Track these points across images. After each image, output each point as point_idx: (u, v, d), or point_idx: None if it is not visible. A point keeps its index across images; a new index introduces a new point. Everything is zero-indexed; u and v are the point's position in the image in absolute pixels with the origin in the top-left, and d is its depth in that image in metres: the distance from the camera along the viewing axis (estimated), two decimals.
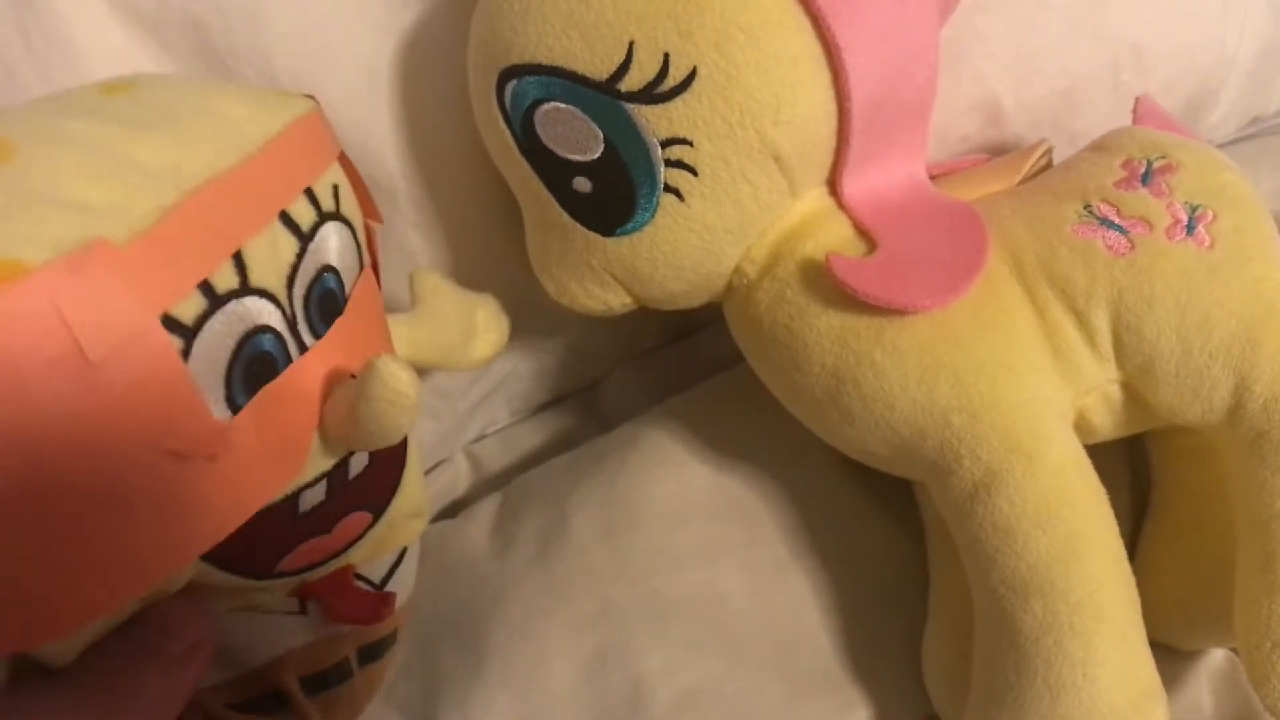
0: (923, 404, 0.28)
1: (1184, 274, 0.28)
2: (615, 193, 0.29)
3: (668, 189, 0.28)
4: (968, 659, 0.29)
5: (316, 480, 0.24)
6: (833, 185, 0.30)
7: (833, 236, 0.30)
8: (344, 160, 0.26)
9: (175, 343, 0.19)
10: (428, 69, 0.33)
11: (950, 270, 0.28)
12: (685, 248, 0.30)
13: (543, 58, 0.27)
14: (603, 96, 0.27)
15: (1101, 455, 0.29)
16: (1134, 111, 0.35)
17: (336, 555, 0.26)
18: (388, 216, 0.34)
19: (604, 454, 0.37)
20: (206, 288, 0.19)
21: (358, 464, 0.25)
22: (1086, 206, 0.30)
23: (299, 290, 0.22)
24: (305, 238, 0.23)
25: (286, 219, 0.22)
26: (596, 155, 0.28)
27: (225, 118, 0.22)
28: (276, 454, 0.21)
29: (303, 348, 0.22)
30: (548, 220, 0.31)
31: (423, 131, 0.33)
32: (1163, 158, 0.30)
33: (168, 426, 0.18)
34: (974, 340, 0.28)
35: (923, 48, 0.29)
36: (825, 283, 0.29)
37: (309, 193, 0.23)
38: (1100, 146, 0.32)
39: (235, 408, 0.20)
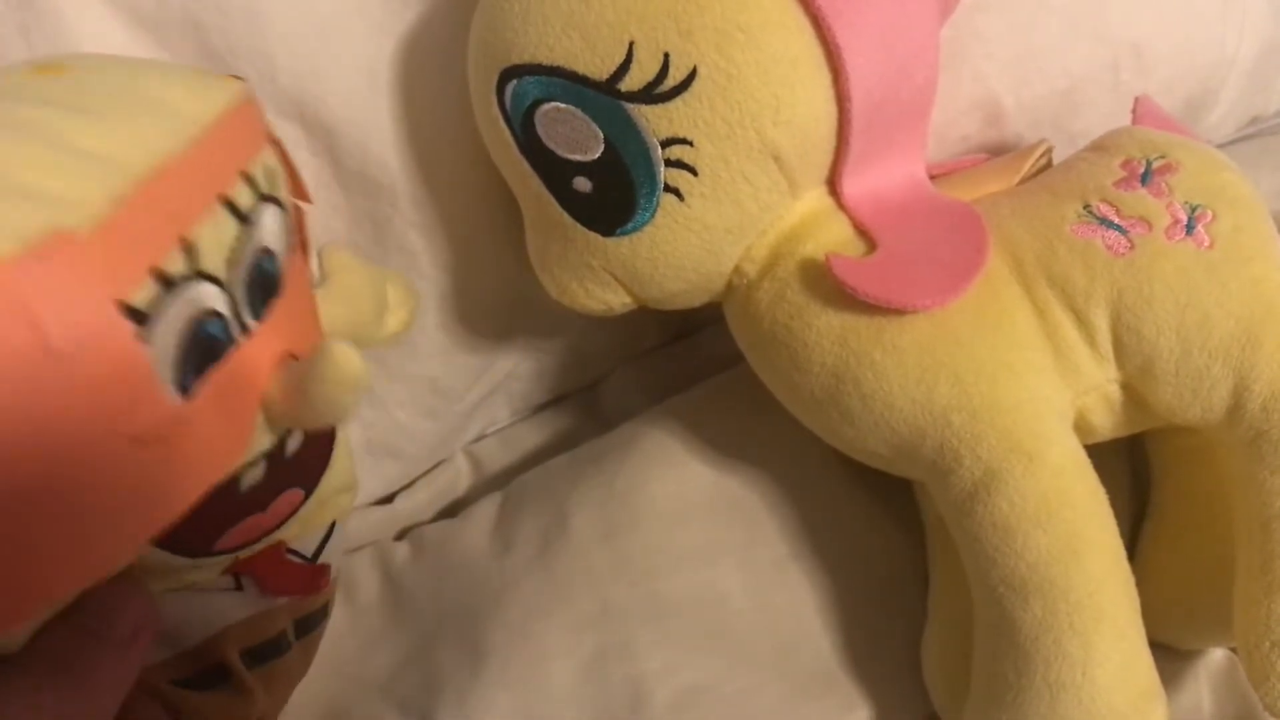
0: (922, 404, 0.28)
1: (1183, 274, 0.28)
2: (615, 193, 0.29)
3: (668, 189, 0.28)
4: (967, 658, 0.30)
5: (257, 460, 0.24)
6: (832, 185, 0.30)
7: (832, 236, 0.30)
8: (274, 142, 0.26)
9: (133, 329, 0.19)
10: (428, 69, 0.33)
11: (950, 270, 0.28)
12: (685, 247, 0.30)
13: (543, 58, 0.27)
14: (603, 96, 0.27)
15: (1101, 455, 0.29)
16: (1133, 111, 0.35)
17: (270, 532, 0.27)
18: (387, 215, 0.34)
19: (604, 454, 0.37)
20: (159, 274, 0.20)
21: (293, 443, 0.26)
22: (1086, 206, 0.30)
23: (240, 273, 0.23)
24: (245, 221, 0.23)
25: (227, 202, 0.22)
26: (596, 155, 0.28)
27: (163, 101, 0.22)
28: (226, 435, 0.22)
29: (245, 330, 0.23)
30: (548, 220, 0.31)
31: (423, 131, 0.33)
32: (1162, 158, 0.30)
33: (126, 411, 0.19)
34: (974, 340, 0.28)
35: (923, 48, 0.29)
36: (825, 283, 0.29)
37: (246, 175, 0.23)
38: (1100, 146, 0.32)
39: (186, 392, 0.21)
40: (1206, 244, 0.28)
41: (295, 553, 0.29)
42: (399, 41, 0.32)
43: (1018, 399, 0.28)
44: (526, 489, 0.38)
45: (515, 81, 0.28)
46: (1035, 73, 0.39)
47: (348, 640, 0.35)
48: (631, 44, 0.26)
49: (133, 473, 0.19)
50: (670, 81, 0.27)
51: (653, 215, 0.29)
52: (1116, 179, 0.30)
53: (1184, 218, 0.29)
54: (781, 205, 0.30)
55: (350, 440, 0.31)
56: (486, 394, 0.41)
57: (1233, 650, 0.32)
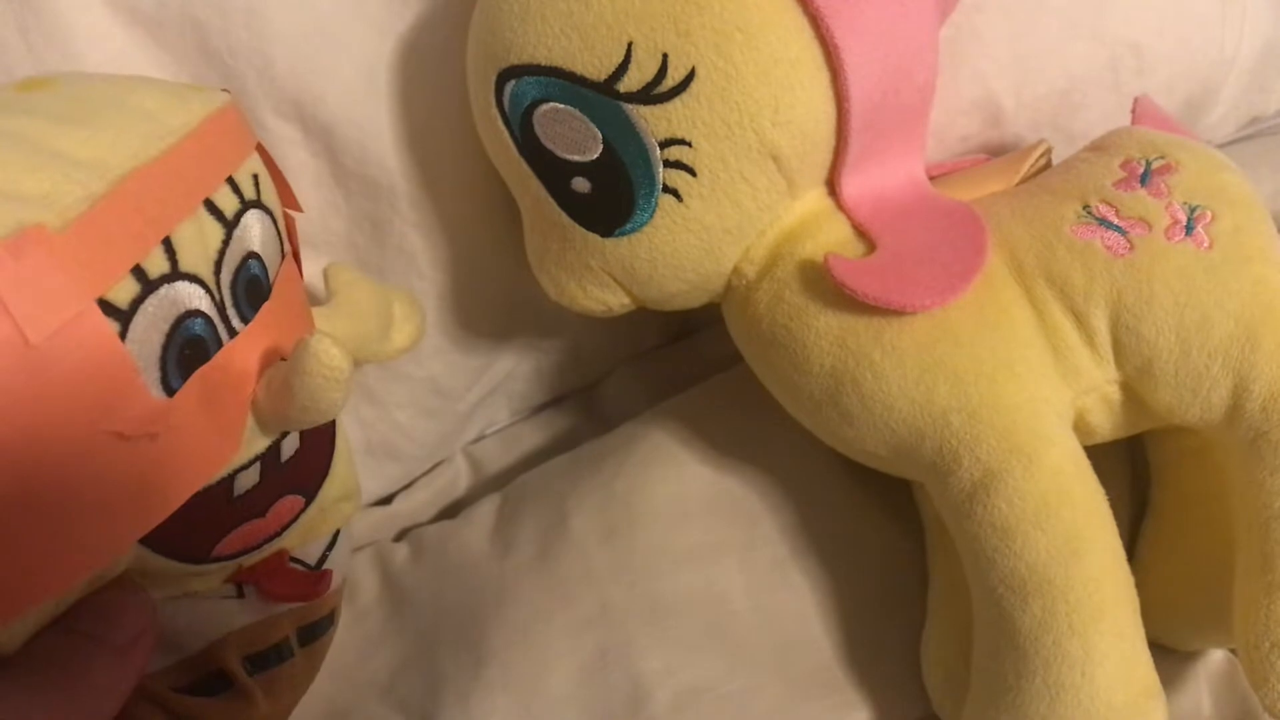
0: (922, 404, 0.28)
1: (1183, 274, 0.28)
2: (614, 193, 0.29)
3: (666, 189, 0.28)
4: (967, 659, 0.29)
5: (251, 463, 0.24)
6: (832, 186, 0.30)
7: (832, 237, 0.30)
8: (262, 151, 0.26)
9: (112, 325, 0.19)
10: (427, 69, 0.33)
11: (949, 270, 0.28)
12: (684, 248, 0.30)
13: (541, 58, 0.27)
14: (601, 97, 0.27)
15: (1100, 456, 0.29)
16: (1133, 112, 0.35)
17: (271, 539, 0.27)
18: (386, 216, 0.34)
19: (604, 454, 0.37)
20: (139, 272, 0.20)
21: (289, 447, 0.26)
22: (1085, 207, 0.30)
23: (226, 275, 0.23)
24: (230, 224, 0.23)
25: (211, 206, 0.23)
26: (595, 156, 0.28)
27: (145, 111, 0.22)
28: (214, 434, 0.22)
29: (232, 332, 0.23)
30: (547, 220, 0.31)
31: (422, 132, 0.33)
32: (1161, 158, 0.30)
33: (109, 407, 0.19)
34: (973, 341, 0.28)
35: (922, 48, 0.29)
36: (824, 283, 0.29)
37: (231, 182, 0.24)
38: (1099, 147, 0.32)
39: (170, 390, 0.21)
40: (1206, 244, 0.28)
41: (298, 561, 0.29)
42: (398, 41, 0.33)
43: (1017, 400, 0.28)
44: (526, 489, 0.38)
45: (514, 82, 0.28)
46: (1034, 73, 0.39)
47: (347, 641, 0.35)
48: (630, 44, 0.26)
49: (117, 469, 0.19)
50: (669, 82, 0.27)
51: (651, 216, 0.29)
52: (1116, 179, 0.30)
53: (1183, 218, 0.29)
54: (780, 206, 0.30)
55: (351, 444, 0.31)
56: (486, 394, 0.42)
57: (1232, 651, 0.32)
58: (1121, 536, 0.28)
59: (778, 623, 0.34)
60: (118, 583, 0.23)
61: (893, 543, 0.35)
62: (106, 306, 0.19)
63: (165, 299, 0.21)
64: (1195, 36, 0.41)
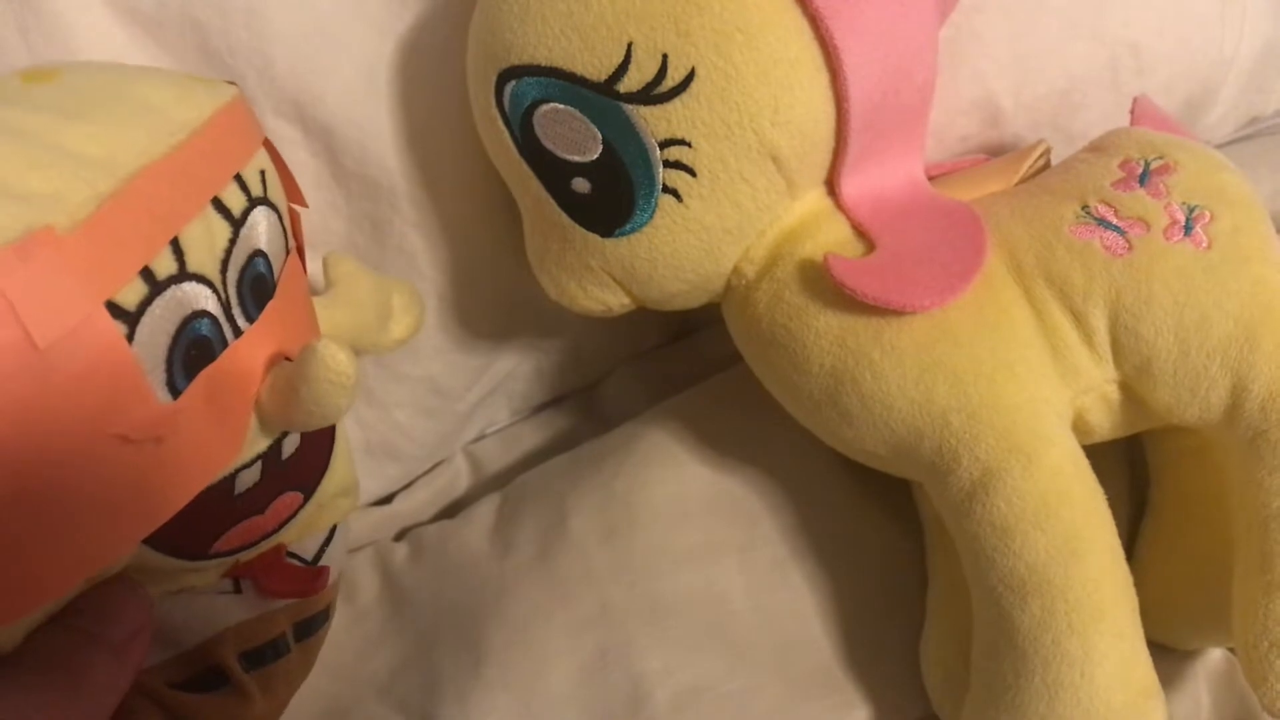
0: (921, 404, 0.28)
1: (1182, 274, 0.28)
2: (614, 193, 0.29)
3: (666, 190, 0.28)
4: (966, 658, 0.30)
5: (253, 461, 0.24)
6: (831, 186, 0.30)
7: (831, 237, 0.30)
8: (269, 146, 0.26)
9: (120, 328, 0.19)
10: (427, 69, 0.33)
11: (948, 270, 0.28)
12: (684, 248, 0.30)
13: (541, 59, 0.27)
14: (601, 97, 0.27)
15: (1099, 455, 0.29)
16: (1132, 112, 0.35)
17: (269, 535, 0.27)
18: (387, 216, 0.34)
19: (604, 454, 0.37)
20: (147, 274, 0.20)
21: (290, 445, 0.26)
22: (1084, 207, 0.30)
23: (232, 275, 0.23)
24: (237, 223, 0.23)
25: (219, 205, 0.23)
26: (595, 156, 0.28)
27: (152, 105, 0.22)
28: (218, 435, 0.22)
29: (237, 331, 0.23)
30: (547, 221, 0.31)
31: (422, 132, 0.34)
32: (1160, 158, 0.30)
33: (115, 411, 0.19)
34: (972, 340, 0.28)
35: (921, 48, 0.29)
36: (824, 283, 0.29)
37: (239, 179, 0.24)
38: (1098, 147, 0.32)
39: (176, 391, 0.21)
40: (1205, 245, 0.29)
41: (295, 556, 0.29)
42: (398, 42, 0.33)
43: (1016, 399, 0.28)
44: (526, 489, 0.38)
45: (514, 82, 0.28)
46: (1034, 73, 0.39)
47: (347, 641, 0.35)
48: (630, 45, 0.26)
49: (122, 472, 0.19)
50: (669, 82, 0.27)
51: (651, 216, 0.29)
52: (1115, 180, 0.30)
53: (1182, 218, 0.29)
54: (780, 206, 0.30)
55: (350, 442, 0.31)
56: (486, 394, 0.42)
57: (1231, 651, 0.32)
58: (1120, 536, 0.28)
59: (777, 623, 0.34)
60: (115, 579, 0.23)
61: (892, 543, 0.35)
62: (114, 309, 0.19)
63: (172, 300, 0.21)
64: (1194, 37, 0.41)
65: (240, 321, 0.23)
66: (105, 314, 0.19)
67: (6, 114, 0.20)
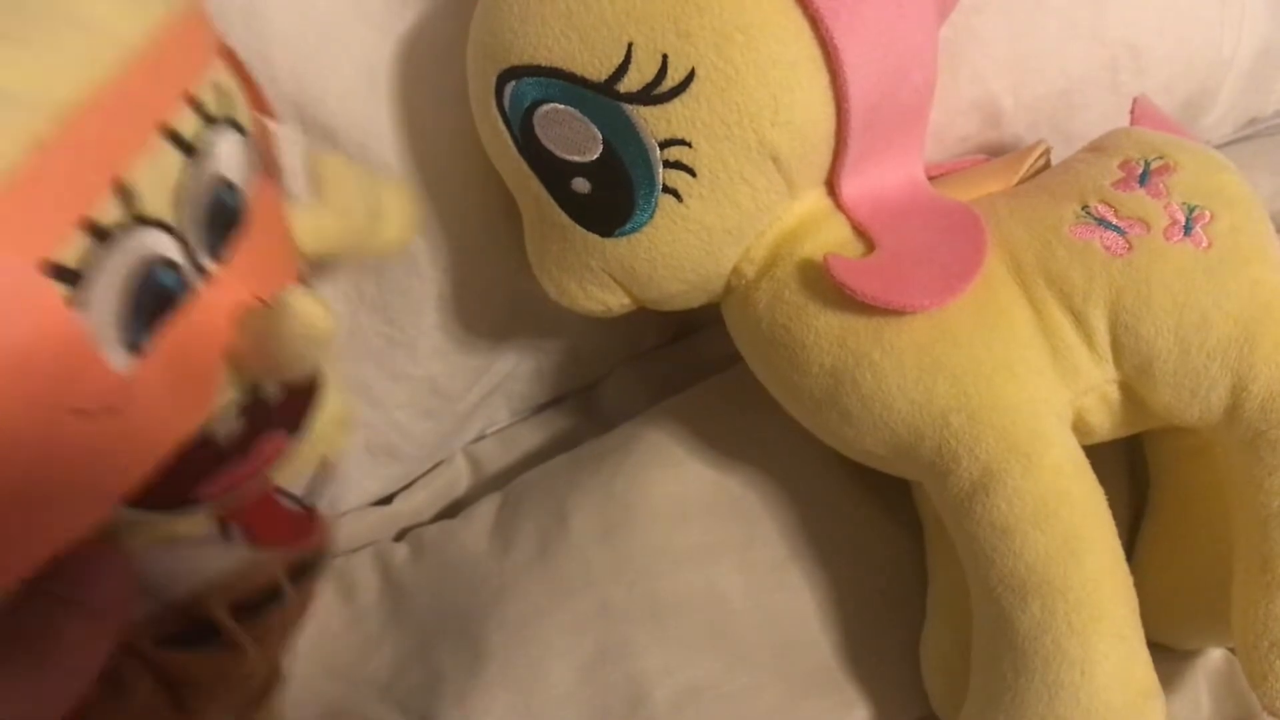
0: (921, 404, 0.28)
1: (1181, 275, 0.28)
2: (614, 194, 0.29)
3: (666, 190, 0.28)
4: (966, 658, 0.30)
5: (229, 410, 0.22)
6: (831, 186, 0.30)
7: (831, 237, 0.30)
8: (226, 54, 0.24)
9: (61, 291, 0.17)
10: (427, 70, 0.33)
11: (948, 271, 0.28)
12: (684, 248, 0.30)
13: (541, 59, 0.27)
14: (601, 98, 0.27)
15: (1099, 456, 0.29)
16: (1132, 112, 0.35)
17: (254, 477, 0.25)
18: None
19: (603, 454, 0.37)
20: (89, 224, 0.18)
21: (270, 385, 0.24)
22: (1084, 207, 0.30)
23: (191, 212, 0.20)
24: (192, 151, 0.20)
25: (169, 134, 0.20)
26: (595, 156, 0.28)
27: (88, 19, 0.19)
28: (185, 393, 0.20)
29: (203, 274, 0.21)
30: (547, 221, 0.31)
31: (422, 132, 0.34)
32: (1160, 159, 0.30)
33: (65, 384, 0.17)
34: (972, 341, 0.28)
35: (920, 49, 0.29)
36: (824, 283, 0.29)
37: (190, 98, 0.21)
38: (1098, 147, 0.32)
39: (136, 349, 0.19)
40: (1204, 245, 0.29)
41: (284, 493, 0.27)
42: (398, 42, 0.33)
43: (1016, 399, 0.28)
44: (526, 489, 0.38)
45: (514, 83, 0.28)
46: (1033, 73, 0.39)
47: (347, 640, 0.35)
48: (630, 45, 0.26)
49: (80, 445, 0.18)
50: (669, 83, 0.27)
51: (651, 216, 0.29)
52: (1114, 180, 0.30)
53: (1182, 219, 0.29)
54: (780, 206, 0.30)
55: (339, 374, 0.29)
56: (486, 394, 0.42)
57: (1231, 650, 0.32)
58: (1120, 536, 0.28)
59: (777, 622, 0.34)
60: (94, 541, 0.21)
61: (892, 542, 0.35)
62: (53, 269, 0.17)
63: (123, 251, 0.18)
64: (1194, 38, 0.41)
65: (205, 262, 0.21)
66: (40, 278, 0.16)
67: None
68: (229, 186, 0.22)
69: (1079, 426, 0.30)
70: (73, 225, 0.17)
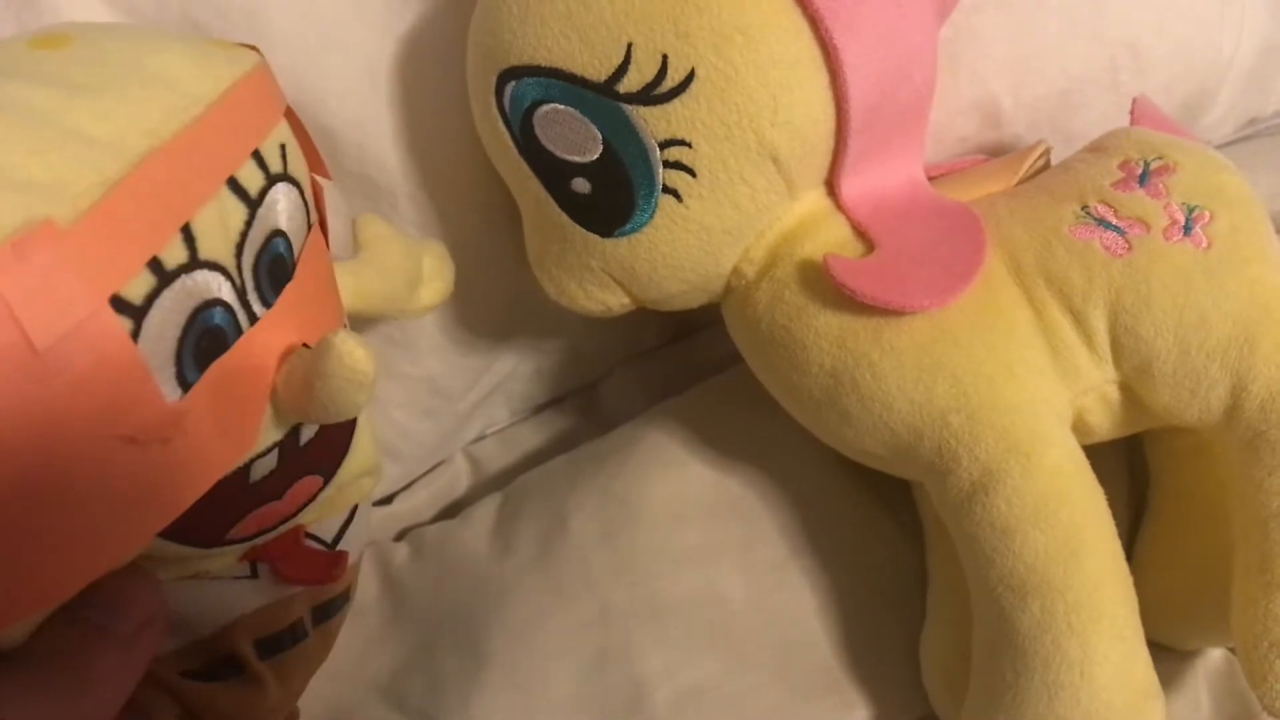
0: (921, 404, 0.28)
1: (1181, 275, 0.28)
2: (614, 194, 0.29)
3: (666, 190, 0.28)
4: (966, 658, 0.30)
5: (269, 450, 0.23)
6: (831, 186, 0.30)
7: (831, 237, 0.30)
8: (290, 115, 0.25)
9: (125, 324, 0.18)
10: (427, 70, 0.33)
11: (948, 271, 0.28)
12: (683, 248, 0.30)
13: (541, 59, 0.27)
14: (601, 98, 0.27)
15: (1099, 456, 0.29)
16: (1131, 112, 0.35)
17: (287, 519, 0.26)
18: (387, 216, 0.34)
19: (603, 455, 0.37)
20: (155, 265, 0.19)
21: (309, 430, 0.25)
22: (1084, 207, 0.30)
23: (248, 258, 0.22)
24: (254, 204, 0.22)
25: (235, 185, 0.21)
26: (595, 156, 0.28)
27: (168, 77, 0.21)
28: (230, 429, 0.21)
29: (253, 317, 0.22)
30: (547, 221, 0.31)
31: (422, 132, 0.34)
32: (1160, 159, 0.30)
33: (120, 412, 0.18)
34: (972, 341, 0.28)
35: (920, 49, 0.29)
36: (823, 284, 0.29)
37: (256, 155, 0.22)
38: (1098, 147, 0.32)
39: (186, 385, 0.20)
40: (1204, 245, 0.29)
41: (315, 538, 0.28)
42: (398, 43, 0.33)
43: (1016, 400, 0.28)
44: (526, 490, 0.38)
45: (514, 83, 0.28)
46: (1033, 73, 0.39)
47: (347, 641, 0.34)
48: (630, 45, 0.26)
49: (128, 473, 0.19)
50: (668, 83, 0.27)
51: (651, 216, 0.29)
52: (1114, 180, 0.30)
53: (1181, 219, 0.29)
54: (780, 206, 0.30)
55: (372, 419, 0.30)
56: (486, 394, 0.42)
57: (1231, 651, 0.32)
58: (1120, 536, 0.28)
59: (777, 623, 0.34)
60: (126, 569, 0.22)
61: (892, 543, 0.35)
62: (119, 303, 0.18)
63: (183, 291, 0.19)
64: (1194, 37, 0.41)
65: (256, 307, 0.22)
66: (109, 311, 0.18)
67: (10, 88, 0.19)
68: (284, 238, 0.23)
69: (1079, 427, 0.30)
70: (141, 263, 0.18)
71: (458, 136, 0.33)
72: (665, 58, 0.26)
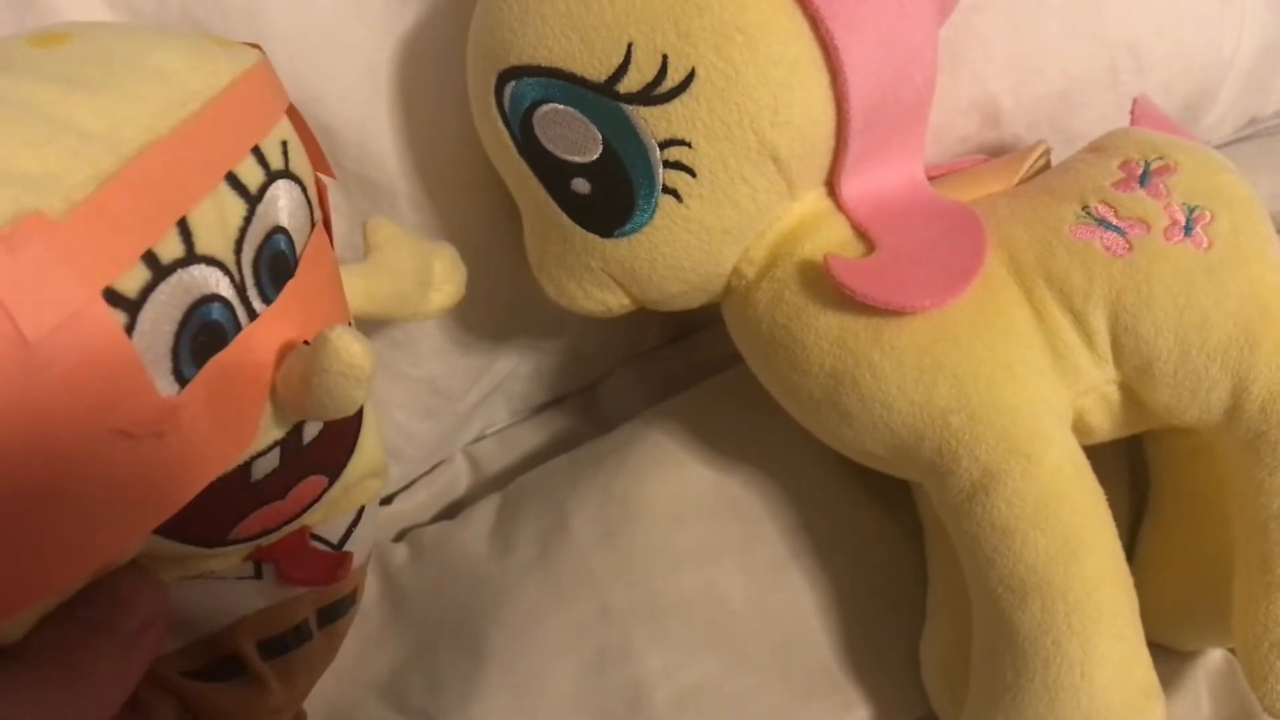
0: (921, 405, 0.28)
1: (1182, 275, 0.28)
2: (614, 194, 0.29)
3: (666, 190, 0.28)
4: (966, 659, 0.30)
5: (270, 448, 0.23)
6: (831, 186, 0.30)
7: (831, 237, 0.30)
8: (293, 113, 0.25)
9: (118, 318, 0.18)
10: (427, 70, 0.33)
11: (948, 271, 0.28)
12: (684, 249, 0.30)
13: (541, 59, 0.27)
14: (601, 98, 0.27)
15: (1099, 456, 0.29)
16: (1132, 112, 0.35)
17: (291, 520, 0.26)
18: (386, 216, 0.34)
19: (603, 455, 0.37)
20: (150, 258, 0.19)
21: (311, 430, 0.25)
22: (1084, 207, 0.30)
23: (248, 254, 0.22)
24: (253, 199, 0.22)
25: (233, 180, 0.21)
26: (595, 156, 0.28)
27: (166, 73, 0.21)
28: (227, 426, 0.21)
29: (253, 314, 0.22)
30: (547, 221, 0.31)
31: (422, 132, 0.34)
32: (1160, 159, 0.30)
33: (113, 406, 0.18)
34: (972, 341, 0.28)
35: (921, 49, 0.29)
36: (824, 284, 0.29)
37: (256, 151, 0.22)
38: (1098, 147, 0.32)
39: (183, 380, 0.20)
40: (1205, 245, 0.29)
41: (320, 539, 0.28)
42: (398, 42, 0.33)
43: (1016, 400, 0.28)
44: (526, 490, 0.38)
45: (513, 83, 0.28)
46: (1033, 73, 0.39)
47: (347, 642, 0.34)
48: (630, 45, 0.26)
49: (123, 467, 0.19)
50: (668, 83, 0.27)
51: (651, 216, 0.29)
52: (1115, 180, 0.30)
53: (1182, 219, 0.29)
54: (780, 206, 0.30)
55: (378, 419, 0.29)
56: (485, 395, 0.42)
57: (1231, 651, 0.32)
58: (1120, 537, 0.28)
59: (777, 623, 0.34)
60: (128, 567, 0.22)
61: (892, 543, 0.35)
62: (113, 296, 0.18)
63: (179, 285, 0.19)
64: (1194, 38, 0.41)
65: (256, 304, 0.22)
66: (102, 304, 0.18)
67: (6, 83, 0.19)
68: (285, 234, 0.23)
69: (1079, 427, 0.30)
70: (135, 256, 0.18)
71: (458, 136, 0.33)
72: (665, 57, 0.26)
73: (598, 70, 0.27)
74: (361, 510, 0.30)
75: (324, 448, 0.26)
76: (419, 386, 0.39)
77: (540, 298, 0.33)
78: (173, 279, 0.19)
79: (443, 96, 0.33)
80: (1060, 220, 0.30)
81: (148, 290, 0.19)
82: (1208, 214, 0.29)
